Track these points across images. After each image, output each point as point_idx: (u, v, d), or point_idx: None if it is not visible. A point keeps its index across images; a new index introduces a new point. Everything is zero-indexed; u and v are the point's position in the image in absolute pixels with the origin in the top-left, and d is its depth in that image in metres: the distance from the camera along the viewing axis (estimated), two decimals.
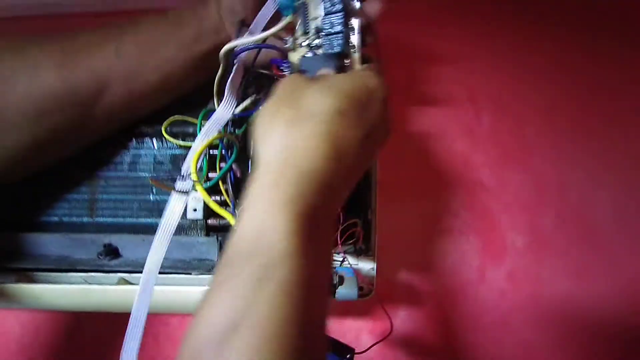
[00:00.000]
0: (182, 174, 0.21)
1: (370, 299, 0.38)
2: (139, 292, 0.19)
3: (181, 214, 0.21)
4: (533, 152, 0.39)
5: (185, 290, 0.25)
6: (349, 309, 0.39)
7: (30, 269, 0.26)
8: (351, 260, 0.32)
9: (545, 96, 0.39)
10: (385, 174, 0.38)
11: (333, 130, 0.16)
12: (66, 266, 0.25)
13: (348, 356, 0.23)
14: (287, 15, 0.24)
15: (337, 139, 0.16)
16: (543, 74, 0.39)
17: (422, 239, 0.39)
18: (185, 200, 0.21)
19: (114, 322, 0.41)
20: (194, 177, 0.20)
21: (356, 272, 0.29)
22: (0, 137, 0.22)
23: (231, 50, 0.23)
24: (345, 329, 0.38)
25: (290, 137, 0.16)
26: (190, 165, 0.21)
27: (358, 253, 0.32)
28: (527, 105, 0.39)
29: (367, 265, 0.33)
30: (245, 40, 0.23)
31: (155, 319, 0.39)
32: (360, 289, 0.34)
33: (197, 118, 0.24)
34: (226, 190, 0.25)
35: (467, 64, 0.40)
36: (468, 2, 0.40)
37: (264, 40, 0.24)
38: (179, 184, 0.21)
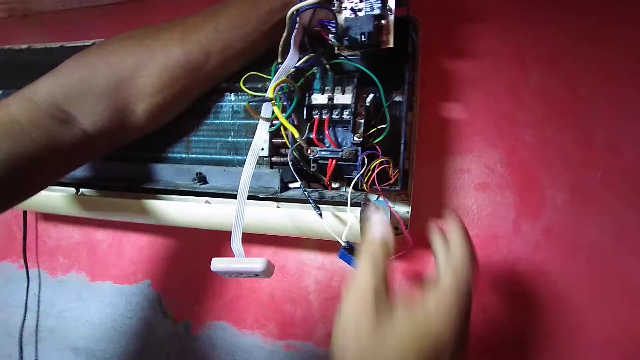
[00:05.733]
0: (263, 101, 0.28)
1: (408, 245, 0.43)
2: (240, 192, 0.26)
3: (266, 137, 0.28)
4: (583, 112, 0.39)
5: (253, 209, 0.33)
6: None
7: (150, 189, 0.35)
8: (392, 205, 0.37)
9: (599, 54, 0.38)
10: (426, 129, 0.41)
11: None
12: (172, 187, 0.35)
13: None
14: None
15: None
16: (597, 31, 0.38)
17: (457, 192, 0.41)
18: (267, 127, 0.28)
19: (201, 238, 0.51)
20: (271, 95, 0.26)
21: (390, 208, 0.33)
22: (151, 98, 0.31)
23: (294, 14, 0.29)
24: None
25: None
26: (269, 91, 0.27)
27: (394, 195, 0.37)
28: (579, 64, 0.39)
29: (402, 209, 0.38)
30: (305, 3, 0.28)
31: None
32: (395, 228, 0.39)
33: (266, 74, 0.31)
34: (286, 134, 0.32)
35: (515, 20, 0.40)
36: None
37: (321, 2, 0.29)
38: (263, 112, 0.28)
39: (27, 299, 0.60)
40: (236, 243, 0.26)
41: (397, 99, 0.33)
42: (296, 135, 0.28)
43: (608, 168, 0.38)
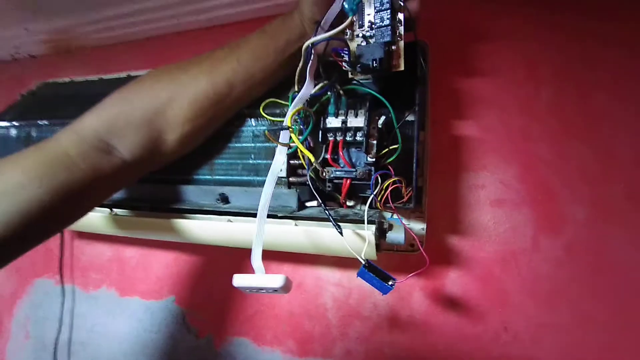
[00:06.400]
0: (281, 128, 0.30)
1: (423, 261, 0.43)
2: (259, 212, 0.28)
3: (284, 161, 0.30)
4: (600, 124, 0.38)
5: (272, 227, 0.34)
6: (405, 266, 0.44)
7: (177, 209, 0.38)
8: (406, 223, 0.38)
9: (614, 64, 0.38)
10: (439, 147, 0.42)
11: None
12: (197, 207, 0.37)
13: (390, 283, 0.29)
14: (350, 16, 0.31)
15: None
16: (609, 42, 0.38)
17: (472, 209, 0.42)
18: (285, 151, 0.30)
19: (224, 255, 0.53)
20: (288, 123, 0.28)
21: (404, 225, 0.34)
22: (182, 127, 0.33)
23: (309, 46, 0.31)
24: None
25: None
26: (287, 120, 0.29)
27: (408, 212, 0.38)
28: (593, 75, 0.39)
29: (417, 226, 0.39)
30: (319, 37, 0.30)
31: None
32: (411, 245, 0.39)
33: (283, 101, 0.33)
34: (302, 156, 0.34)
35: (524, 37, 0.41)
36: None
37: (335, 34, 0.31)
38: (281, 137, 0.30)
39: (62, 313, 0.64)
40: (256, 260, 0.28)
41: (409, 118, 0.34)
42: (312, 159, 0.30)
43: (630, 180, 0.37)
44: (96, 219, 0.43)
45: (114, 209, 0.42)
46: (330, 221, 0.30)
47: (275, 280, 0.26)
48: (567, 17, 0.40)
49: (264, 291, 0.27)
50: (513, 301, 0.39)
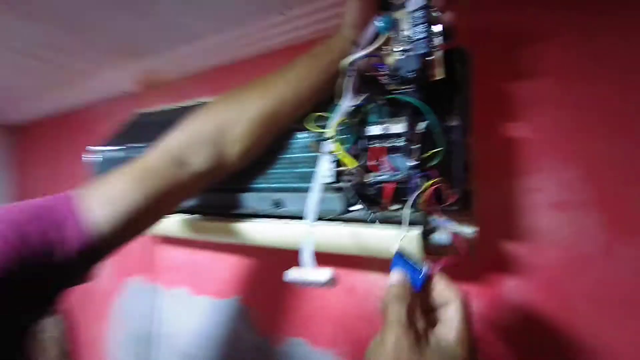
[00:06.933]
0: (325, 138, 0.33)
1: (477, 266, 0.42)
2: (308, 213, 0.32)
3: (328, 168, 0.33)
4: None
5: (320, 229, 0.37)
6: (458, 273, 0.43)
7: (238, 214, 0.43)
8: (453, 225, 0.38)
9: None
10: (488, 151, 0.41)
11: None
12: (255, 212, 0.42)
13: (421, 269, 0.30)
14: (384, 35, 0.33)
15: None
16: None
17: (529, 213, 0.40)
18: (329, 159, 0.33)
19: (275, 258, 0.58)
20: (332, 132, 0.32)
21: (450, 227, 0.34)
22: (242, 143, 0.39)
23: (349, 63, 0.34)
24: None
25: None
26: (330, 130, 0.32)
27: (455, 215, 0.37)
28: None
29: (467, 230, 0.38)
30: (357, 55, 0.33)
31: None
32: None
33: (327, 114, 0.37)
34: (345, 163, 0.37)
35: (576, 36, 0.39)
36: None
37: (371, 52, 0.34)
38: (325, 147, 0.34)
39: (148, 308, 0.75)
40: (306, 257, 0.31)
41: (453, 123, 0.35)
42: (353, 165, 0.32)
43: None
44: (175, 224, 0.51)
45: (188, 215, 0.50)
46: (372, 221, 0.32)
47: (322, 274, 0.29)
48: (619, 19, 0.37)
49: (313, 285, 0.30)
50: (580, 310, 0.36)
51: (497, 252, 0.41)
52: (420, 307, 0.28)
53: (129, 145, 0.58)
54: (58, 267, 0.30)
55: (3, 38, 0.61)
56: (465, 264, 0.41)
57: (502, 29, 0.42)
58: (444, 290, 0.29)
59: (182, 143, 0.38)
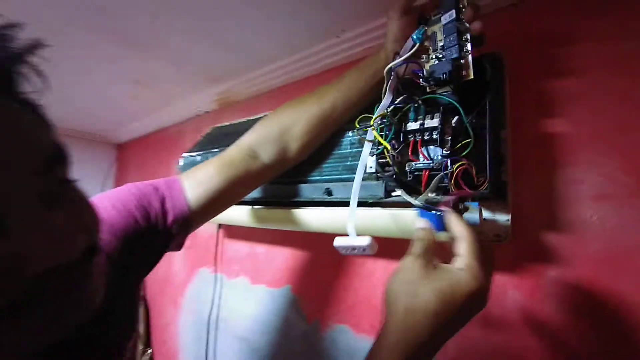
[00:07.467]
0: (367, 126, 0.40)
1: (518, 257, 0.43)
2: (352, 197, 0.38)
3: (368, 154, 0.39)
4: None
5: (364, 212, 0.43)
6: (498, 263, 0.44)
7: (295, 202, 0.51)
8: (485, 212, 0.41)
9: None
10: (526, 144, 0.44)
11: (433, 325, 0.27)
12: (309, 199, 0.49)
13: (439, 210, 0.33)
14: (417, 44, 0.40)
15: (434, 330, 0.27)
16: None
17: (571, 204, 0.40)
18: (370, 146, 0.39)
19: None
20: (371, 122, 0.38)
21: (479, 210, 0.37)
22: (300, 140, 0.47)
23: (390, 69, 0.41)
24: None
25: (407, 320, 0.28)
26: (373, 118, 0.39)
27: (490, 203, 0.40)
28: None
29: (503, 217, 0.40)
30: (397, 61, 0.40)
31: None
32: (497, 236, 0.41)
33: (372, 115, 0.44)
34: (389, 155, 0.42)
35: (614, 32, 0.40)
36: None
37: (408, 59, 0.40)
38: (367, 136, 0.40)
39: (213, 295, 0.85)
40: (350, 227, 0.37)
41: (482, 118, 0.39)
42: (388, 147, 0.38)
43: None
44: (243, 212, 0.61)
45: (254, 206, 0.59)
46: (409, 202, 0.37)
47: (363, 239, 0.34)
48: None
49: (356, 252, 0.36)
50: (625, 301, 0.36)
51: (538, 243, 0.42)
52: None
53: (205, 151, 0.71)
54: (164, 231, 0.40)
55: (119, 70, 0.80)
56: (505, 255, 0.44)
57: (541, 30, 0.45)
58: (455, 226, 0.32)
59: (254, 141, 0.48)
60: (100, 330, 0.33)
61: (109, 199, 0.38)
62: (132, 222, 0.37)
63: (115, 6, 0.55)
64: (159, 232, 0.40)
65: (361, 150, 0.46)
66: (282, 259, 0.72)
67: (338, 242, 0.37)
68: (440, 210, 0.33)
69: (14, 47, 0.21)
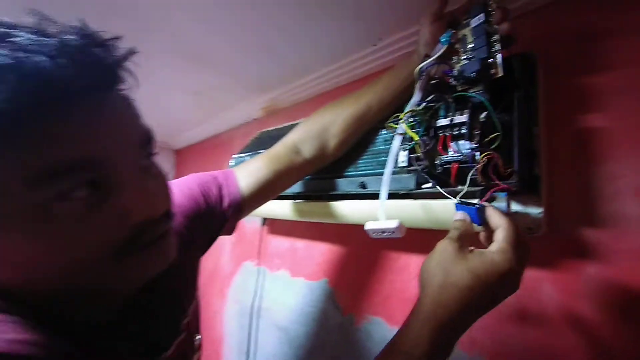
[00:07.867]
0: (398, 121, 0.44)
1: (554, 253, 0.43)
2: (383, 184, 0.42)
3: (399, 145, 0.43)
4: None
5: (395, 203, 0.46)
6: (534, 259, 0.44)
7: (333, 195, 0.56)
8: (517, 206, 0.42)
9: None
10: (562, 140, 0.44)
11: (464, 300, 0.29)
12: (345, 192, 0.53)
13: (477, 206, 0.35)
14: (444, 46, 0.43)
15: (465, 305, 0.29)
16: None
17: (610, 199, 0.40)
18: (400, 138, 0.43)
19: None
20: (402, 115, 0.42)
21: (508, 201, 0.38)
22: (338, 137, 0.52)
23: (420, 69, 0.45)
24: (527, 277, 0.44)
25: (440, 296, 0.30)
26: (403, 112, 0.43)
27: (525, 199, 0.41)
28: None
29: (535, 210, 0.41)
30: (427, 61, 0.43)
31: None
32: (529, 229, 0.42)
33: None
34: (421, 149, 0.45)
35: None
36: None
37: (438, 60, 0.44)
38: (398, 129, 0.44)
39: (256, 287, 0.92)
40: (380, 212, 0.40)
41: (511, 114, 0.40)
42: (415, 137, 0.42)
43: None
44: (285, 206, 0.66)
45: (295, 200, 0.64)
46: (440, 192, 0.39)
47: (391, 222, 0.38)
48: None
49: (386, 235, 0.39)
50: None
51: (575, 238, 0.42)
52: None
53: (253, 152, 0.78)
54: (220, 214, 0.47)
55: (178, 83, 0.92)
56: (541, 250, 0.44)
57: (577, 27, 0.46)
58: (494, 217, 0.34)
59: (297, 138, 0.54)
60: (169, 292, 0.39)
61: (177, 185, 0.46)
62: (195, 204, 0.44)
63: (184, 31, 0.66)
64: (216, 215, 0.46)
65: None
66: (319, 253, 0.77)
67: (369, 225, 0.40)
68: (479, 205, 0.35)
69: (117, 54, 0.27)
